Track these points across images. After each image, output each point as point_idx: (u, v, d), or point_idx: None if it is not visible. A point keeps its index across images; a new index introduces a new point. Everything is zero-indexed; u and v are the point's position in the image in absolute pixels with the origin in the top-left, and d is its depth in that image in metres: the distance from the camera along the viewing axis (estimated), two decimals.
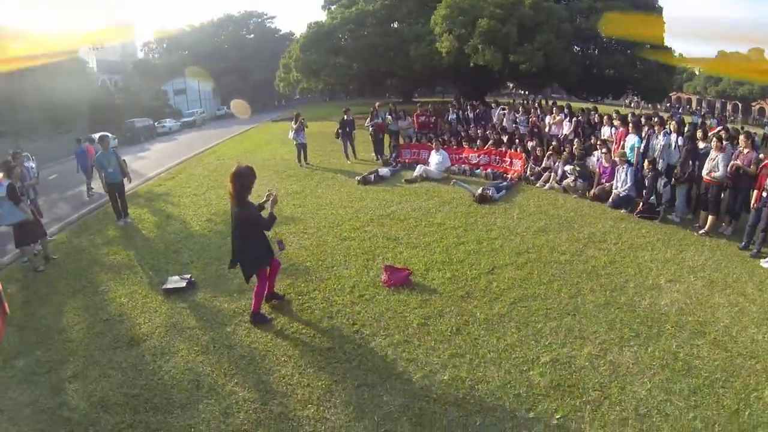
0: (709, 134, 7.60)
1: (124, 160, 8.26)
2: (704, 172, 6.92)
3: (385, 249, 6.34)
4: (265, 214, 4.44)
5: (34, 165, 18.11)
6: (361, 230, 7.08)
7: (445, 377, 3.84)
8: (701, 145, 7.48)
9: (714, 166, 6.73)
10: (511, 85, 41.20)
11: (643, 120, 9.11)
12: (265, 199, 4.53)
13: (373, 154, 13.27)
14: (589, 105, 12.57)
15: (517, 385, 3.75)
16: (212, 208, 8.95)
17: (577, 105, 32.85)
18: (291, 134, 12.29)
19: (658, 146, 8.01)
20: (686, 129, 8.79)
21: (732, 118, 46.38)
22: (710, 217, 6.94)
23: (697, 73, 50.89)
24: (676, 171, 7.63)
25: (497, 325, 4.53)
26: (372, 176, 10.42)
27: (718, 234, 6.99)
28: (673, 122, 8.38)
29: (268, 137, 20.64)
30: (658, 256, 6.20)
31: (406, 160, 12.15)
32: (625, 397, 3.63)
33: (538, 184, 9.77)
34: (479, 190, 8.70)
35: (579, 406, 3.54)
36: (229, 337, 4.49)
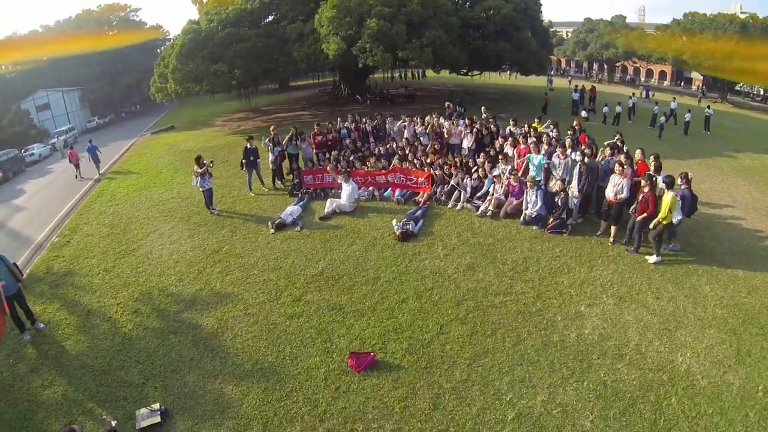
0: (613, 159, 9.07)
1: (15, 264, 7.40)
2: (610, 194, 8.49)
3: (335, 323, 6.88)
4: None
5: None
6: (303, 302, 7.46)
7: None
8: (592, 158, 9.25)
9: (619, 190, 8.36)
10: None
11: (544, 138, 10.59)
12: None
13: (272, 181, 13.35)
14: (484, 117, 13.85)
15: None
16: (132, 289, 8.43)
17: (459, 78, 34.70)
18: (194, 181, 11.53)
19: (560, 165, 9.50)
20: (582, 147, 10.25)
21: (599, 75, 54.12)
22: (613, 228, 8.81)
23: (566, 37, 57.73)
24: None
25: (464, 391, 5.44)
26: (285, 219, 10.44)
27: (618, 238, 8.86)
28: (569, 140, 9.94)
29: (156, 162, 19.15)
30: (574, 278, 7.73)
31: (310, 187, 12.37)
32: None
33: (450, 205, 10.88)
34: (399, 227, 9.43)
35: None
36: None
